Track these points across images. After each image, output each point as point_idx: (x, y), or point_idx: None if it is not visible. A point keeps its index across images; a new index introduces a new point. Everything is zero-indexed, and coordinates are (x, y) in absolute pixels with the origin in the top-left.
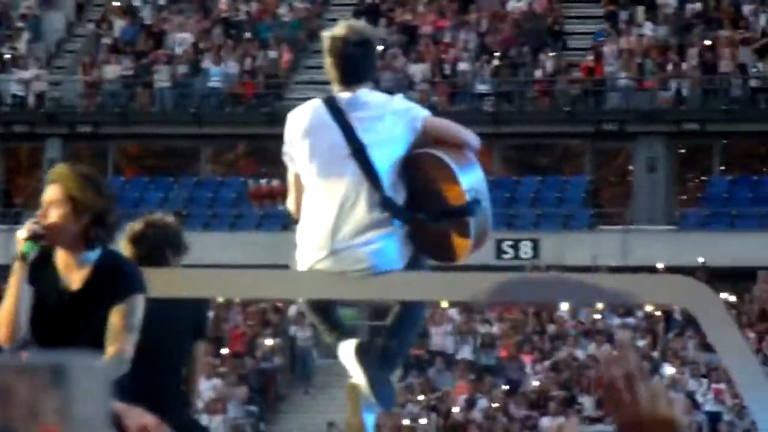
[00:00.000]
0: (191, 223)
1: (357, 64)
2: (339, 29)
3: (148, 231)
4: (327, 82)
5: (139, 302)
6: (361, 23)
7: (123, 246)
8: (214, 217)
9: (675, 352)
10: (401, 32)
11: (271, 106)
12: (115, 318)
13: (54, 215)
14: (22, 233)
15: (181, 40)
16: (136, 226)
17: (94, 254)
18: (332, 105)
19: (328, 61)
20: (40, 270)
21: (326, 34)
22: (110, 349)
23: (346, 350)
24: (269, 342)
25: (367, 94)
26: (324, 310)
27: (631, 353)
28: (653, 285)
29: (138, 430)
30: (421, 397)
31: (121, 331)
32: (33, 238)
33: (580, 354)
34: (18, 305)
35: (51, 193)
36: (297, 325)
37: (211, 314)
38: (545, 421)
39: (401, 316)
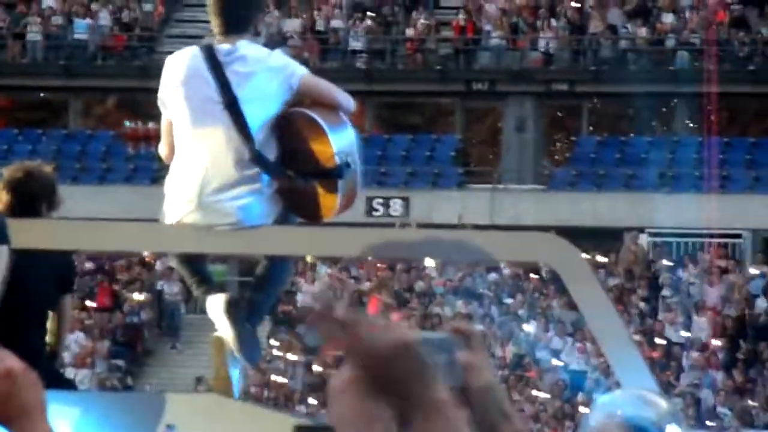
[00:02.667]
0: (60, 176)
1: (239, 14)
2: None
3: (25, 179)
4: (200, 36)
5: (1, 253)
6: None
7: None
8: (83, 170)
9: (542, 311)
10: None
11: (142, 60)
12: None
13: None
14: None
15: None
16: (14, 173)
17: None
18: (210, 55)
19: (210, 8)
20: None
21: None
22: None
23: (214, 304)
24: (137, 297)
25: (245, 46)
26: (193, 263)
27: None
28: (517, 242)
29: (2, 372)
30: (290, 355)
31: None
32: None
33: (448, 312)
34: None
35: None
36: (165, 280)
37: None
38: None
39: (268, 271)
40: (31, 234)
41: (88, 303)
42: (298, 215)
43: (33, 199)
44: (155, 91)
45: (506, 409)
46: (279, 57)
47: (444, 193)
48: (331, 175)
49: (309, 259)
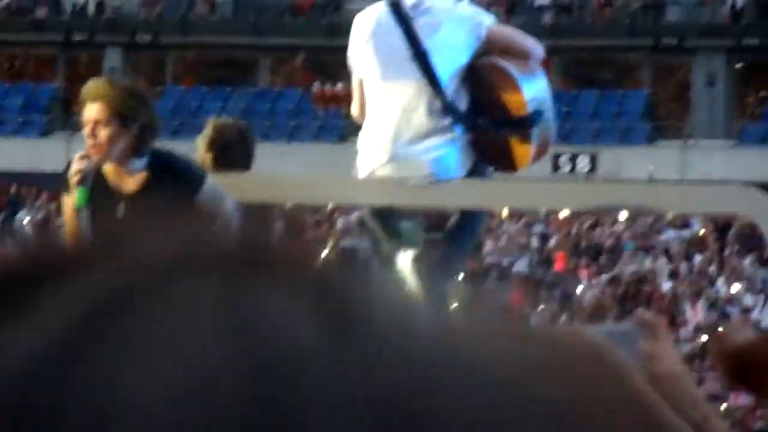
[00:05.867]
0: None
1: None
2: None
3: (236, 138)
4: None
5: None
6: None
7: (201, 145)
8: (272, 127)
9: (732, 269)
10: None
11: (330, 18)
12: None
13: (103, 136)
14: (74, 174)
15: None
16: (223, 131)
17: (142, 160)
18: (396, 9)
19: None
20: (92, 186)
21: None
22: None
23: (404, 260)
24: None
25: None
26: (385, 217)
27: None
28: (714, 195)
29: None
30: None
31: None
32: (85, 180)
33: (636, 268)
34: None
35: (95, 112)
36: (356, 236)
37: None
38: None
39: (459, 224)
40: (226, 187)
41: None
42: (491, 166)
43: (238, 158)
44: (342, 49)
45: (694, 397)
46: (465, 7)
47: (633, 149)
48: (523, 123)
49: (504, 214)
